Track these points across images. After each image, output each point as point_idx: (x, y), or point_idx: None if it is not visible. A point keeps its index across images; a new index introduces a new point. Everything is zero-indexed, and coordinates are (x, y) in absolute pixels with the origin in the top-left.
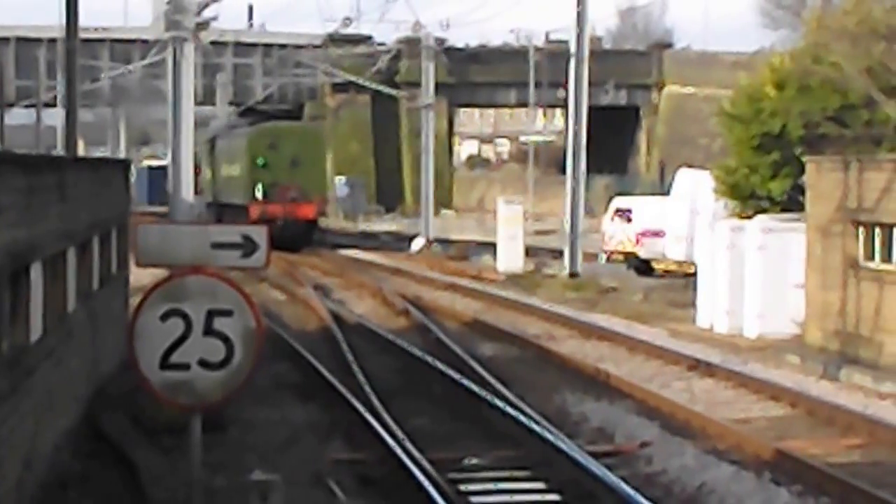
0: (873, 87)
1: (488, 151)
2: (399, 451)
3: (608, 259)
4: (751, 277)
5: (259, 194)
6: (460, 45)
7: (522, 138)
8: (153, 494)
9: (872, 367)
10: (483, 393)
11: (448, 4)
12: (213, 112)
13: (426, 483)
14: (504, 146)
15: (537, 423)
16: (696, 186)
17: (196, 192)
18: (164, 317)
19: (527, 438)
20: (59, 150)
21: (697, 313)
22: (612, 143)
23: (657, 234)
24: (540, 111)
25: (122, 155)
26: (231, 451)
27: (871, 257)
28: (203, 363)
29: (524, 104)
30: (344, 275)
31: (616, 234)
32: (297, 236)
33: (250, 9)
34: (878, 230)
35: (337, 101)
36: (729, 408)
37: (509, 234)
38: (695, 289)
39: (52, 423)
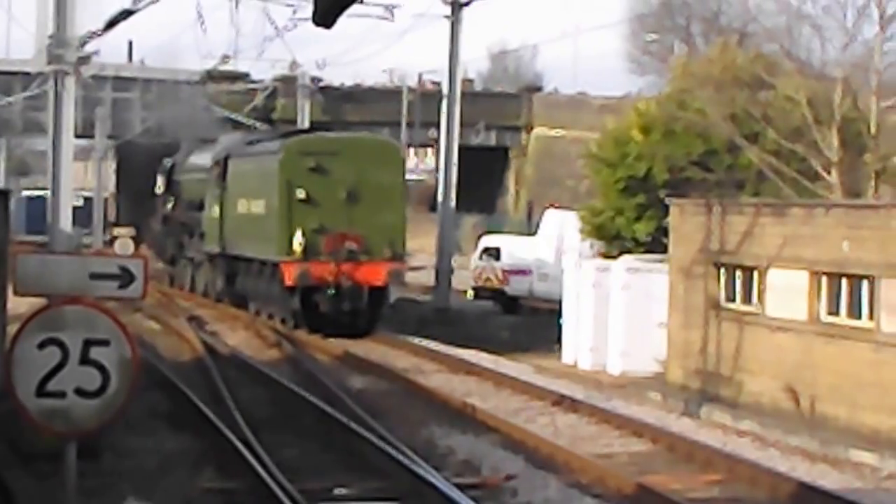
0: (736, 133)
1: None
2: (269, 480)
3: (476, 296)
4: (615, 316)
5: (298, 246)
6: (336, 84)
7: None
8: None
9: (732, 405)
10: (353, 425)
11: (324, 44)
12: (92, 144)
13: None
14: None
15: (405, 454)
16: (562, 226)
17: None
18: (42, 345)
19: (395, 470)
20: None
21: (562, 350)
22: (481, 183)
23: (524, 271)
24: (412, 150)
25: (0, 184)
26: (105, 478)
27: (731, 298)
28: (79, 391)
29: None
30: (217, 307)
31: (484, 272)
32: (356, 312)
33: (130, 44)
34: (739, 272)
35: None
36: (592, 442)
37: None
38: (560, 326)
39: None
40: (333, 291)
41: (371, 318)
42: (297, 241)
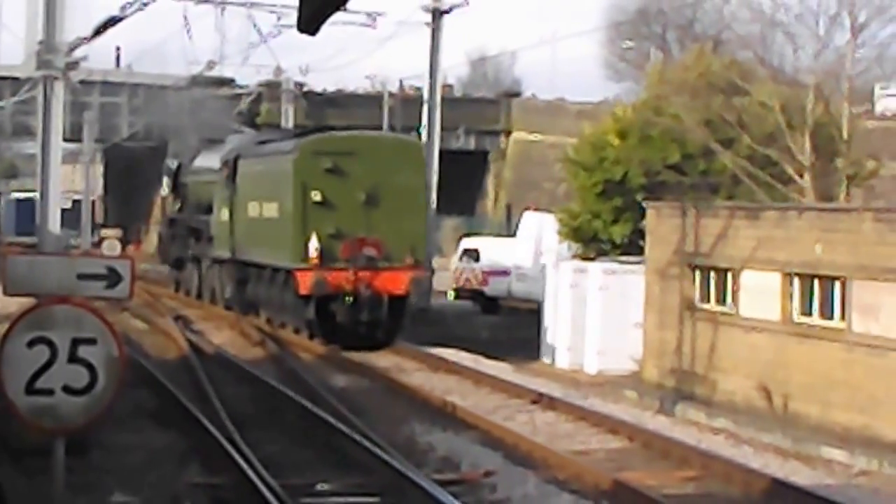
0: (711, 139)
1: None
2: (253, 475)
3: (457, 296)
4: (592, 316)
5: (314, 251)
6: (319, 89)
7: None
8: None
9: (706, 403)
10: (335, 422)
11: (308, 51)
12: (80, 148)
13: None
14: None
15: (386, 451)
16: (541, 228)
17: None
18: (31, 344)
19: (376, 466)
20: None
21: (541, 349)
22: (461, 186)
23: (503, 273)
24: None
25: None
26: (93, 473)
27: (706, 299)
28: (67, 389)
29: None
30: (203, 307)
31: (464, 273)
32: (375, 323)
33: (118, 50)
34: (713, 274)
35: None
36: (569, 440)
37: None
38: (539, 326)
39: None
40: (351, 300)
41: (391, 330)
42: (313, 246)
